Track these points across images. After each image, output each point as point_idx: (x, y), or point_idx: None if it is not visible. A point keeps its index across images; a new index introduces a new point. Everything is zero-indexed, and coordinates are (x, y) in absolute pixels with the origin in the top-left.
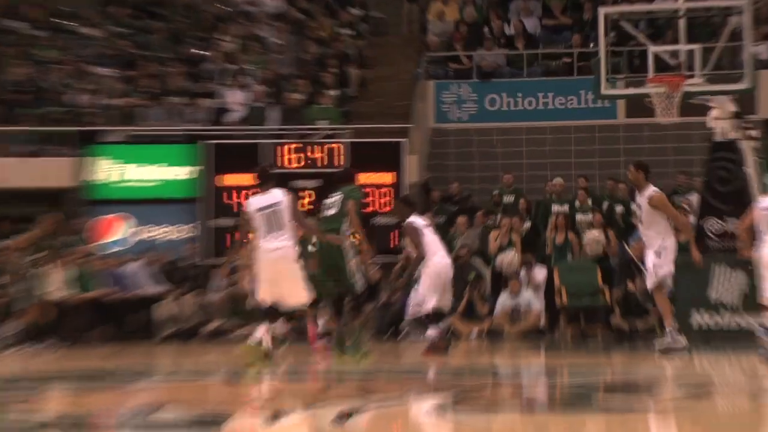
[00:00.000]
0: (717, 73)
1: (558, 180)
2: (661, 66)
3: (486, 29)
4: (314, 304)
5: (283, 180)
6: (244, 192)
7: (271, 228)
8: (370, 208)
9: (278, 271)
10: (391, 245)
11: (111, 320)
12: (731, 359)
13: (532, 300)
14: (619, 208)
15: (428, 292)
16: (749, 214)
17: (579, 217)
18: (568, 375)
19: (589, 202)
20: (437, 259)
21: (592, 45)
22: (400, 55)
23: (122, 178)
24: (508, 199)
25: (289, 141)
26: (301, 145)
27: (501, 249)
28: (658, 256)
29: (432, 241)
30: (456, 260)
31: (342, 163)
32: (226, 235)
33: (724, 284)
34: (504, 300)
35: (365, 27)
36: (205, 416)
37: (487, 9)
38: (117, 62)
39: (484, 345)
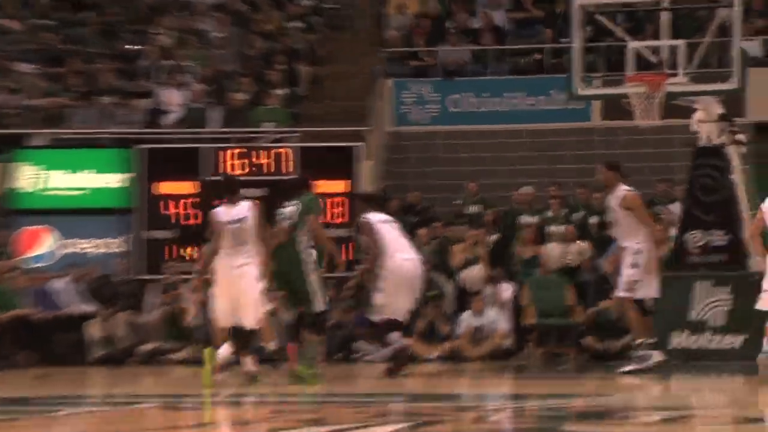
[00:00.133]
0: (702, 71)
1: (527, 189)
2: (641, 64)
3: (450, 23)
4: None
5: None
6: (182, 201)
7: (236, 243)
8: (321, 220)
9: (238, 290)
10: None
11: (36, 342)
12: (712, 381)
13: (497, 319)
14: (593, 219)
15: (388, 295)
16: (756, 217)
17: (552, 229)
18: (536, 400)
19: (563, 213)
20: (398, 259)
21: (565, 40)
22: (355, 51)
23: (47, 185)
24: (474, 209)
25: (232, 145)
26: (245, 150)
27: (467, 264)
28: (632, 265)
29: (393, 239)
30: None
31: (291, 169)
32: (163, 247)
33: (706, 302)
34: (467, 319)
35: (317, 20)
36: None
37: (451, 1)
38: (41, 58)
39: (446, 368)
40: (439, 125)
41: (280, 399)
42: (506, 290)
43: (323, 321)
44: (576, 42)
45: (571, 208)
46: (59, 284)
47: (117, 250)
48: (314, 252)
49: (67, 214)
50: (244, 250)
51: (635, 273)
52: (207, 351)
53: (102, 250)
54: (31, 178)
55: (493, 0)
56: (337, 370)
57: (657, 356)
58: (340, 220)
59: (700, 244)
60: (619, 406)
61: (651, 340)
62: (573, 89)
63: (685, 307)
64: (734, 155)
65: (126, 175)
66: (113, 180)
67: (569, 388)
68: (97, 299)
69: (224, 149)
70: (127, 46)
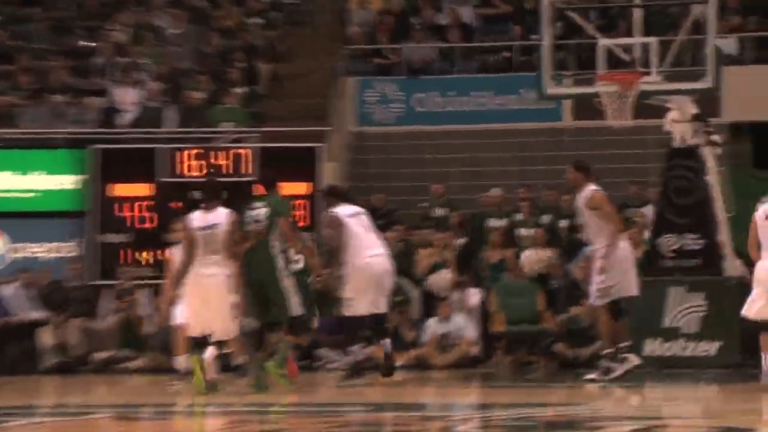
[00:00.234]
0: (676, 70)
1: (496, 191)
2: (613, 62)
3: (415, 19)
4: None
5: (182, 190)
6: (137, 204)
7: (206, 250)
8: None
9: (208, 299)
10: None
11: None
12: (685, 390)
13: (464, 326)
14: (563, 223)
15: (354, 294)
16: (750, 227)
17: (522, 232)
18: (504, 410)
19: (534, 216)
20: (366, 255)
21: (535, 37)
22: (317, 48)
23: None
24: (440, 212)
25: (189, 146)
26: (202, 150)
27: (434, 268)
28: (600, 270)
29: (360, 233)
30: None
31: (250, 171)
32: (118, 252)
33: (680, 308)
34: (433, 326)
35: (277, 16)
36: None
37: None
38: None
39: (411, 377)
40: (404, 125)
41: (241, 408)
42: (473, 296)
43: (303, 322)
44: (546, 39)
45: (539, 210)
46: (8, 290)
47: (69, 254)
48: (301, 260)
49: (17, 217)
50: (215, 259)
51: (606, 278)
52: (194, 359)
53: (54, 255)
54: None
55: None
56: (299, 378)
57: (633, 359)
58: (302, 223)
59: (674, 247)
60: (589, 415)
61: (627, 343)
62: (543, 88)
63: (658, 314)
64: (709, 156)
65: (79, 177)
66: (65, 182)
67: (538, 397)
68: (48, 305)
69: (181, 150)
70: (80, 43)
